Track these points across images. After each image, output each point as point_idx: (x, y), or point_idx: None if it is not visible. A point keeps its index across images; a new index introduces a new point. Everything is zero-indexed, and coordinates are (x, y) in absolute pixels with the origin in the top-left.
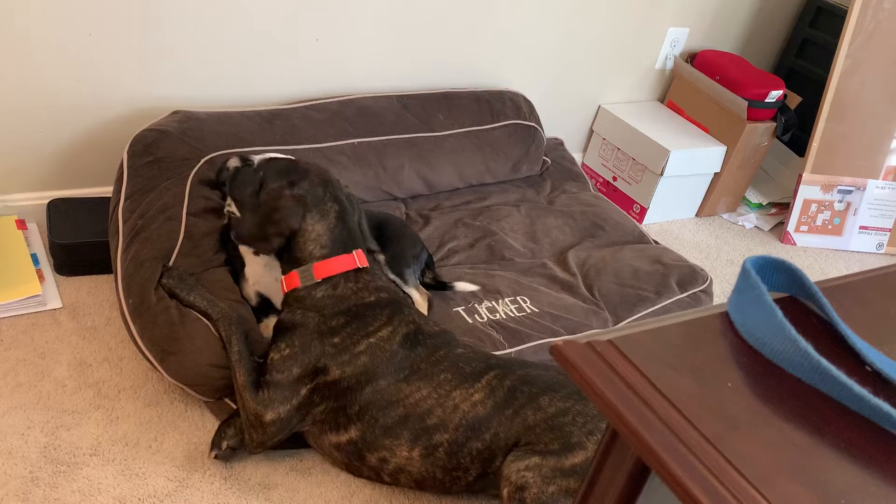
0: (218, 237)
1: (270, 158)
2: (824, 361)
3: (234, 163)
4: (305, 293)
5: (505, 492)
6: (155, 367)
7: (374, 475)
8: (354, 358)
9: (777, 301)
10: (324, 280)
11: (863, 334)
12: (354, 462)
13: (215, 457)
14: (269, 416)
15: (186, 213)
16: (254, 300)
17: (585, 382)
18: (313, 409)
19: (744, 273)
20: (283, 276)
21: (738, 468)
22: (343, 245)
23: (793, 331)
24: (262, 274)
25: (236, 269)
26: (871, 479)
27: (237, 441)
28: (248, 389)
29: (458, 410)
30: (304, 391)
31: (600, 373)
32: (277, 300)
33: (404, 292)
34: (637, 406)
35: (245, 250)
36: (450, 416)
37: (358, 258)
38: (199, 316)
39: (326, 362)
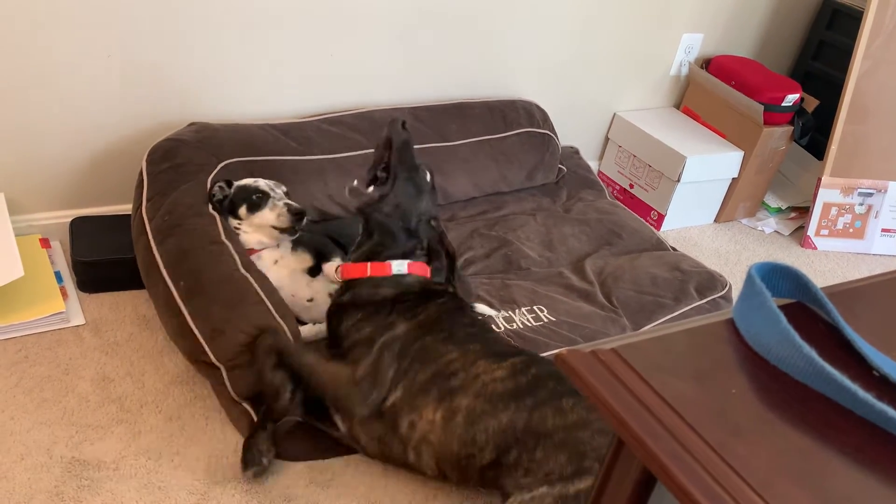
0: None
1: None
2: (828, 366)
3: (217, 192)
4: (384, 281)
5: None
6: (203, 348)
7: (402, 451)
8: (414, 316)
9: (784, 307)
10: (406, 275)
11: (870, 339)
12: (387, 437)
13: (254, 475)
14: (360, 371)
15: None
16: None
17: (590, 391)
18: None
19: (749, 280)
20: (354, 264)
21: (741, 474)
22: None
23: (797, 336)
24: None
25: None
26: (877, 483)
27: (274, 455)
28: (332, 364)
29: (479, 380)
30: (375, 347)
31: (604, 381)
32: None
33: None
34: (641, 414)
35: (269, 261)
36: (471, 381)
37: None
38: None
39: (394, 319)
